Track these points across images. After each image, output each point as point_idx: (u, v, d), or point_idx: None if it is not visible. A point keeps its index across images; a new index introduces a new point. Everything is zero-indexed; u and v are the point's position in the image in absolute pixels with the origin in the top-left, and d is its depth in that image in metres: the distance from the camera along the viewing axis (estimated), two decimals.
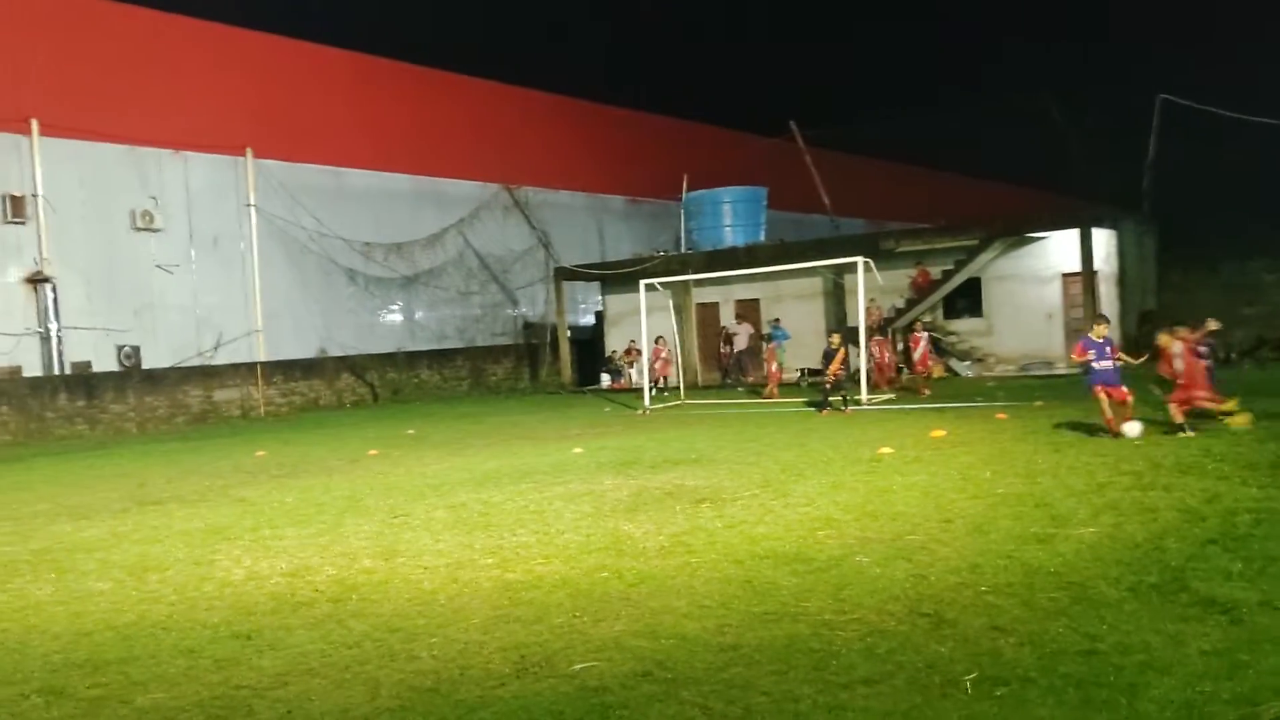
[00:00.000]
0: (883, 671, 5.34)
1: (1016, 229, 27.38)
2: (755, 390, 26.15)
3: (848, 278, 26.85)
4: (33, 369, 25.18)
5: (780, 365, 25.71)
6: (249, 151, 29.98)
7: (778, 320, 29.02)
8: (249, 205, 30.08)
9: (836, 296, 29.43)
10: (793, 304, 29.96)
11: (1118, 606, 6.16)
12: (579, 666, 5.67)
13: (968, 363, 27.69)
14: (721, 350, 30.88)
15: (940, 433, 14.88)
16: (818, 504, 9.98)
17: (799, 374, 27.55)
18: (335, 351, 31.53)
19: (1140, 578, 6.70)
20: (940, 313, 28.37)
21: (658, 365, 27.93)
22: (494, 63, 39.10)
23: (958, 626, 5.98)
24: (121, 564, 9.10)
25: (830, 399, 20.03)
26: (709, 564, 7.81)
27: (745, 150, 41.15)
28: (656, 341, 28.36)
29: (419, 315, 35.03)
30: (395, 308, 34.40)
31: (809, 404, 21.30)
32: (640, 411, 22.86)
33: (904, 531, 8.52)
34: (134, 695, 5.59)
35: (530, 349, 36.66)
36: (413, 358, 33.46)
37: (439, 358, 34.23)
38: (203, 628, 6.86)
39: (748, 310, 31.14)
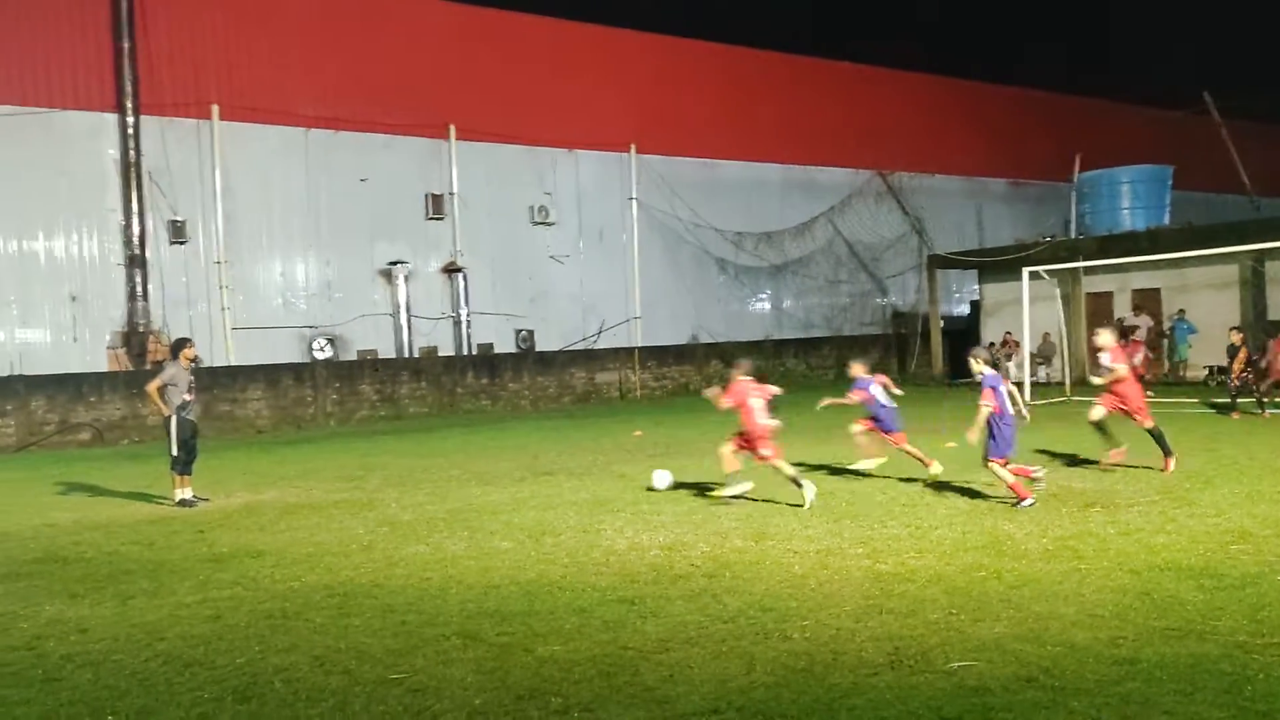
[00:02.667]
0: None
1: None
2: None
3: (1270, 265, 23.82)
4: (446, 349, 28.28)
5: (1183, 361, 23.30)
6: (632, 148, 31.72)
7: (1182, 312, 26.33)
8: (631, 199, 31.85)
9: (1256, 286, 26.16)
10: (1201, 294, 27.00)
11: None
12: (957, 665, 5.49)
13: None
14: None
15: None
16: (1229, 515, 8.98)
17: (1207, 372, 24.90)
18: (705, 338, 32.63)
19: None
20: None
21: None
22: (867, 46, 38.52)
23: None
24: (521, 526, 10.00)
25: (1238, 400, 17.92)
26: (1100, 571, 7.27)
27: (1147, 125, 37.67)
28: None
29: (786, 304, 35.40)
30: (764, 296, 34.99)
31: (1211, 405, 19.19)
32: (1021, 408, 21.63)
33: None
34: (536, 645, 6.12)
35: (900, 339, 35.87)
36: (779, 346, 33.88)
37: (805, 346, 34.41)
38: (592, 590, 7.37)
39: (1146, 301, 28.51)
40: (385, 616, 6.90)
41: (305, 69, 26.54)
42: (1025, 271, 23.63)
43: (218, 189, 25.31)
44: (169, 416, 12.47)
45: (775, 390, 11.39)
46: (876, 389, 12.59)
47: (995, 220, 39.73)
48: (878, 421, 12.53)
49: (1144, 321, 27.91)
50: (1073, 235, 31.40)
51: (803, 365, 33.95)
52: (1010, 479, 10.14)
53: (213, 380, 24.16)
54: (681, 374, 31.69)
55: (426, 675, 5.67)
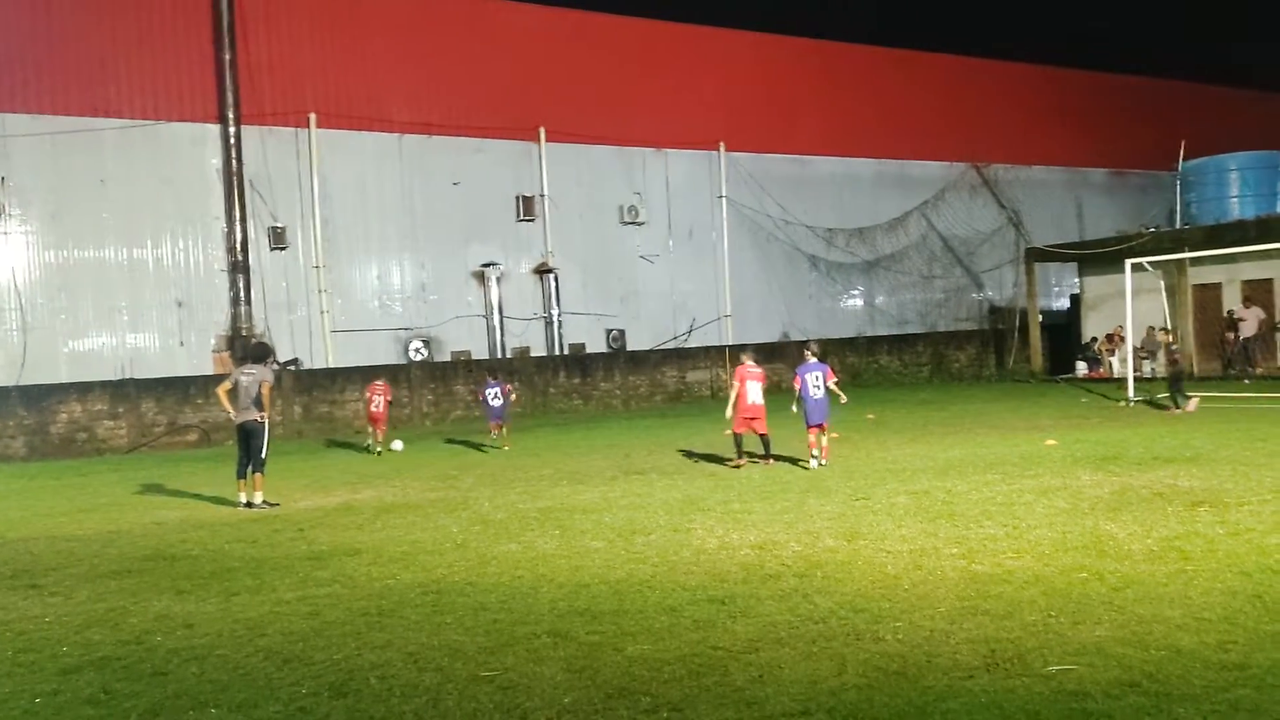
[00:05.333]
0: None
1: None
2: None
3: None
4: (538, 350, 28.58)
5: None
6: (721, 146, 31.62)
7: None
8: (720, 197, 31.75)
9: None
10: None
11: None
12: (1055, 668, 5.34)
13: None
14: (1226, 337, 27.45)
15: None
16: None
17: None
18: (797, 336, 32.27)
19: None
20: None
21: None
22: (961, 36, 37.71)
23: None
24: (612, 526, 10.05)
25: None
26: (1208, 573, 7.00)
27: (1258, 110, 36.17)
28: None
29: (879, 300, 34.90)
30: (856, 293, 34.55)
31: None
32: (1122, 403, 21.01)
33: None
34: (625, 645, 6.13)
35: (996, 335, 35.09)
36: (872, 343, 33.41)
37: (899, 343, 33.87)
38: (682, 589, 7.36)
39: (1257, 292, 27.35)
40: (477, 614, 6.99)
41: (399, 76, 27.09)
42: (1128, 263, 22.87)
43: (316, 195, 26.00)
44: (267, 420, 12.78)
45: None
46: (493, 390, 18.35)
47: (1096, 211, 38.57)
48: (495, 415, 18.41)
49: (1253, 314, 26.81)
50: (1178, 225, 30.33)
51: (896, 362, 33.43)
52: (824, 441, 13.58)
53: (312, 382, 24.85)
54: (773, 372, 31.30)
55: (517, 673, 5.73)
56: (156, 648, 6.60)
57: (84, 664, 6.33)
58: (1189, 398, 18.88)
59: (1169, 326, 21.10)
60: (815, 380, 13.55)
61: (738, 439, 13.95)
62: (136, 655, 6.45)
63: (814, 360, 13.87)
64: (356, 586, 8.05)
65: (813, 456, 13.54)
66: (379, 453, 18.77)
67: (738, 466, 13.83)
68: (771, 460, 13.95)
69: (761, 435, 13.95)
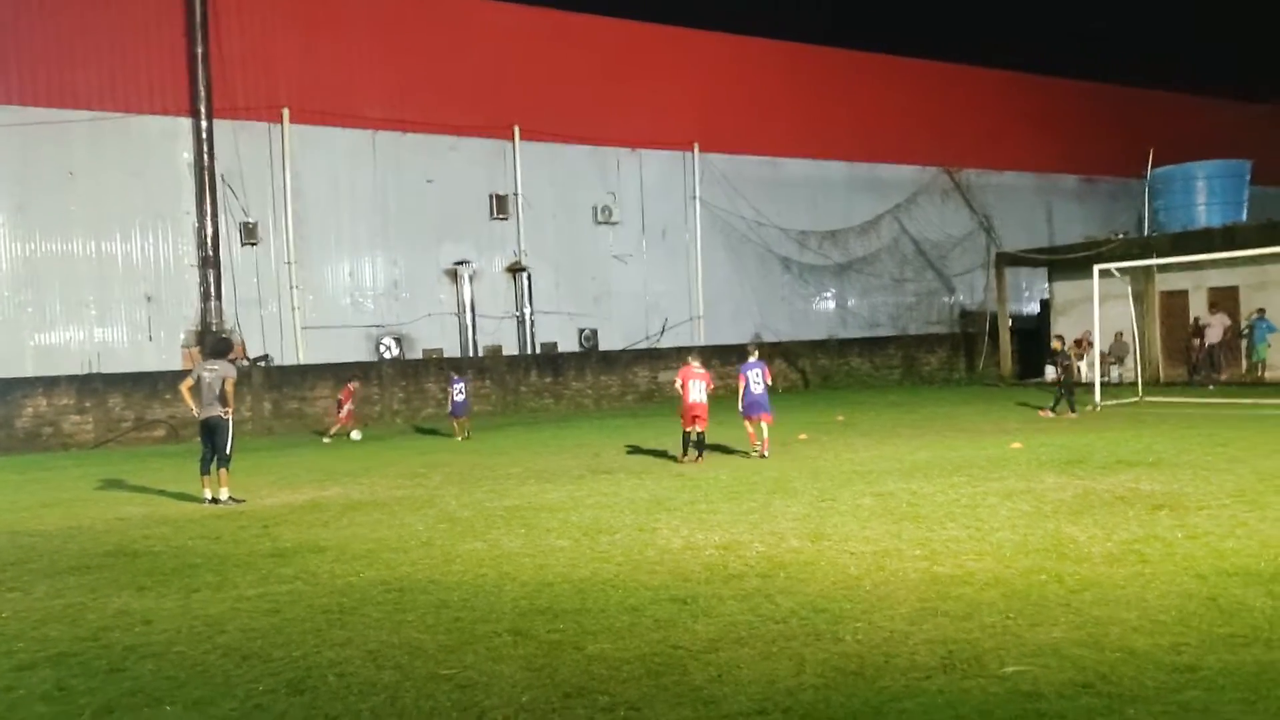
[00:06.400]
0: None
1: None
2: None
3: None
4: (510, 348, 28.52)
5: (1262, 361, 22.62)
6: (695, 146, 31.68)
7: (1262, 311, 25.54)
8: (694, 198, 31.81)
9: None
10: None
11: None
12: (1011, 669, 5.39)
13: None
14: (1192, 343, 27.78)
15: None
16: None
17: None
18: (769, 337, 32.43)
19: None
20: None
21: None
22: (933, 41, 37.98)
23: None
24: (578, 525, 10.04)
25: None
26: (1165, 576, 7.08)
27: (1225, 119, 36.59)
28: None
29: (851, 303, 35.09)
30: (828, 295, 34.72)
31: None
32: (1090, 408, 21.21)
33: None
34: (586, 643, 6.13)
35: (967, 338, 35.36)
36: (844, 345, 33.59)
37: (870, 345, 34.06)
38: (645, 589, 7.36)
39: (1223, 299, 27.70)
40: (439, 612, 6.97)
41: (373, 72, 26.97)
42: (1096, 269, 23.10)
43: (288, 191, 25.85)
44: (231, 415, 12.66)
45: None
46: (458, 386, 20.53)
47: (1066, 217, 38.98)
48: (456, 408, 20.69)
49: (1219, 320, 27.15)
50: (1146, 232, 30.69)
51: (867, 364, 33.61)
52: (750, 430, 15.13)
53: (282, 379, 24.68)
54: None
55: (476, 671, 5.72)
56: (114, 644, 6.53)
57: (39, 660, 6.26)
58: (1053, 409, 19.92)
59: (1063, 335, 21.77)
60: (756, 377, 15.11)
61: (686, 436, 14.60)
62: (93, 652, 6.39)
63: (755, 359, 15.45)
64: (319, 584, 8.01)
65: (754, 448, 14.99)
66: (326, 441, 21.01)
67: (695, 460, 14.45)
68: (701, 458, 14.70)
69: (699, 432, 14.72)
